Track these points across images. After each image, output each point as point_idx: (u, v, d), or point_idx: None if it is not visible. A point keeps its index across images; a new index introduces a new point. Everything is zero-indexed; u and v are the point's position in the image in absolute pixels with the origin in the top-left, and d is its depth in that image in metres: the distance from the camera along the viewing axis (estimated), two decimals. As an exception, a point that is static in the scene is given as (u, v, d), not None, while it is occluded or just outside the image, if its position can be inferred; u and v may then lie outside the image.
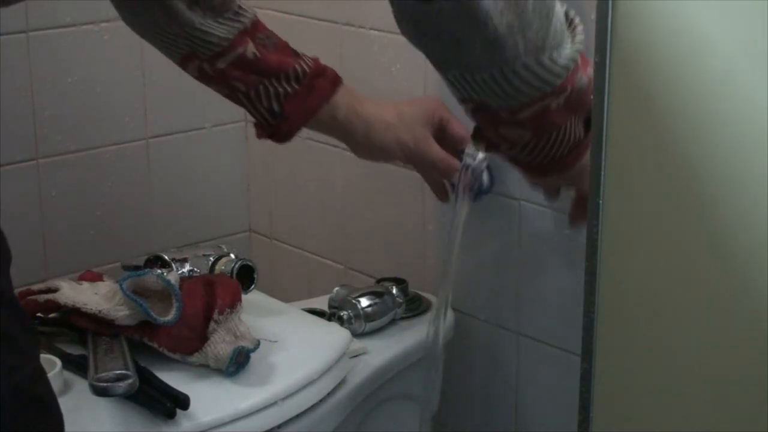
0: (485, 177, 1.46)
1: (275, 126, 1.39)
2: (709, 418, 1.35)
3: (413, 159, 1.45)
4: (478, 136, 1.44)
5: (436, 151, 1.43)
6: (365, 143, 1.44)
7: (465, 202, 1.42)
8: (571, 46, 1.16)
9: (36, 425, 0.96)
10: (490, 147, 1.33)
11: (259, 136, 1.42)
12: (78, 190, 1.77)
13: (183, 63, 1.39)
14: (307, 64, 1.38)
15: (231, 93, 1.39)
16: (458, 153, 1.43)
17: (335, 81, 1.40)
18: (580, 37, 1.18)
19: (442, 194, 1.49)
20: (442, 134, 1.45)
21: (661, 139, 1.34)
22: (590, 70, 1.22)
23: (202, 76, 1.39)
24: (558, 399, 1.55)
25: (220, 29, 1.34)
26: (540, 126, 1.21)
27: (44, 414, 0.97)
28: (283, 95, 1.37)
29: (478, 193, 1.46)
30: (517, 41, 1.10)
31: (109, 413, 1.30)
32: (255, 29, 1.37)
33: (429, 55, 1.14)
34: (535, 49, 1.12)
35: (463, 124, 1.45)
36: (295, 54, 1.39)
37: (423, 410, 1.61)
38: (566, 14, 1.18)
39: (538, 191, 1.44)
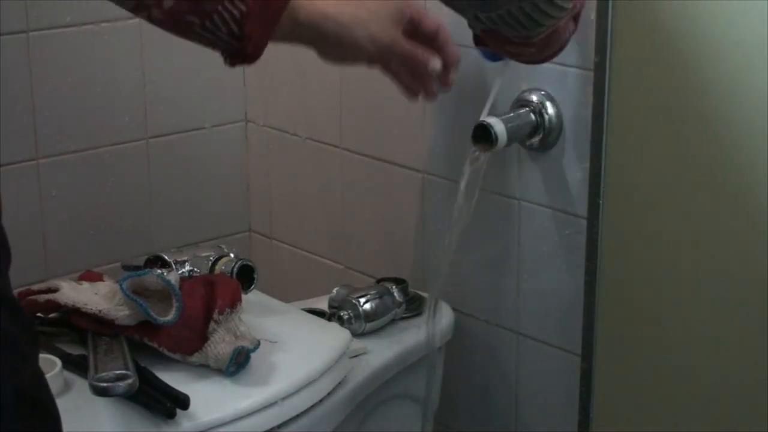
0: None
1: (241, 49, 1.34)
2: (709, 417, 1.35)
3: (385, 55, 1.39)
4: (477, 139, 1.43)
5: (411, 44, 1.33)
6: (335, 43, 1.36)
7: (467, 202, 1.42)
8: None
9: (35, 426, 0.95)
10: (483, 45, 1.34)
11: (231, 64, 1.37)
12: (78, 190, 1.77)
13: (134, 11, 1.34)
14: None
15: (188, 32, 1.33)
16: (433, 46, 1.38)
17: None
18: None
19: (412, 93, 1.39)
20: (413, 30, 1.40)
21: (661, 138, 1.34)
22: None
23: (156, 23, 1.34)
24: (558, 399, 1.55)
25: None
26: (547, 42, 1.25)
27: (43, 415, 0.97)
28: (239, 16, 1.31)
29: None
30: None
31: (109, 413, 1.30)
32: None
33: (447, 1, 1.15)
34: None
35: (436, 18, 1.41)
36: None
37: (424, 406, 1.61)
38: None
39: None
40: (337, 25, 1.33)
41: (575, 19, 1.31)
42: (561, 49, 1.32)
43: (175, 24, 1.30)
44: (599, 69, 1.38)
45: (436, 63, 1.35)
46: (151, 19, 1.30)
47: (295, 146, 1.87)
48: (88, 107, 1.76)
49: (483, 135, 1.42)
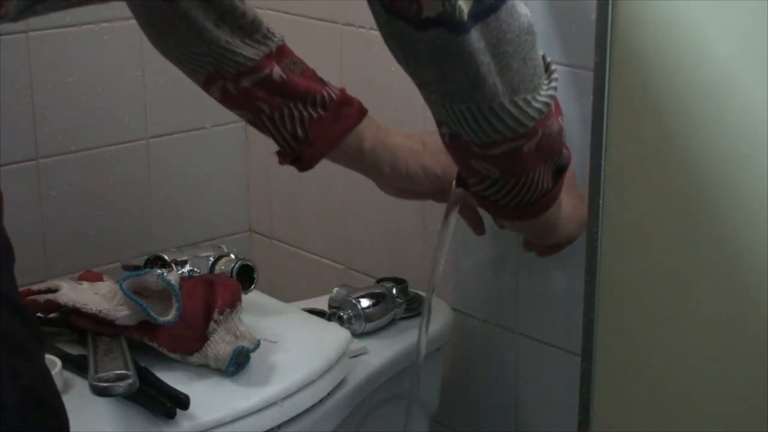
0: None
1: (298, 151, 1.38)
2: (709, 417, 1.35)
3: (441, 187, 1.42)
4: None
5: None
6: (392, 173, 1.41)
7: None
8: (545, 91, 1.18)
9: (42, 426, 0.96)
10: (460, 183, 1.33)
11: (282, 162, 1.41)
12: (78, 190, 1.77)
13: (207, 84, 1.37)
14: (333, 92, 1.37)
15: (254, 115, 1.37)
16: None
17: (361, 111, 1.39)
18: (554, 83, 1.21)
19: (477, 225, 1.47)
20: None
21: (661, 139, 1.34)
22: (561, 119, 1.24)
23: (226, 97, 1.37)
24: (558, 399, 1.55)
25: (246, 49, 1.33)
26: (509, 166, 1.23)
27: (50, 415, 0.97)
28: (308, 120, 1.35)
29: None
30: (495, 82, 1.12)
31: (109, 413, 1.30)
32: (281, 53, 1.35)
33: (412, 75, 1.15)
34: (512, 90, 1.14)
35: None
36: (322, 81, 1.37)
37: (422, 408, 1.61)
38: (543, 58, 1.20)
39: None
40: (393, 156, 1.38)
41: (557, 179, 1.29)
42: (532, 190, 1.27)
43: (246, 104, 1.34)
44: (599, 69, 1.38)
45: None
46: (223, 92, 1.34)
47: (295, 146, 1.86)
48: (88, 107, 1.76)
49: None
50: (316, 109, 1.35)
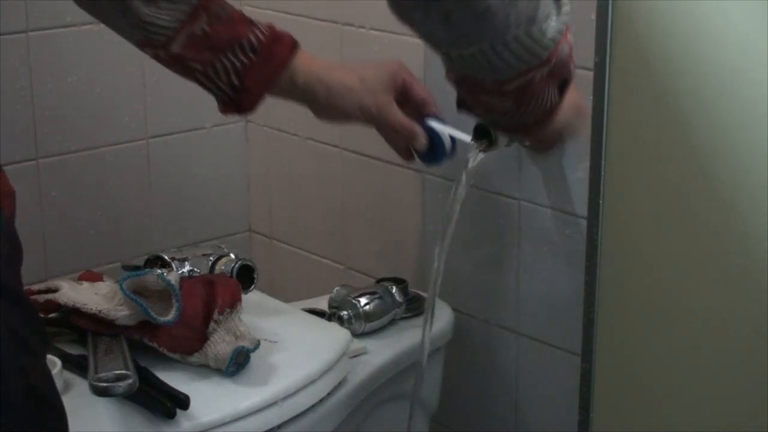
0: (446, 141, 1.44)
1: (237, 100, 1.36)
2: (709, 417, 1.35)
3: (375, 124, 1.42)
4: (478, 138, 1.43)
5: (398, 116, 1.40)
6: (326, 107, 1.41)
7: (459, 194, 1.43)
8: (557, 19, 1.16)
9: (44, 426, 0.96)
10: (464, 109, 1.32)
11: (224, 111, 1.39)
12: (78, 190, 1.77)
13: (141, 48, 1.37)
14: (262, 32, 1.34)
15: (189, 74, 1.36)
16: (421, 116, 1.42)
17: (292, 47, 1.36)
18: (566, 8, 1.18)
19: (406, 155, 1.46)
20: (405, 98, 1.43)
21: (661, 138, 1.34)
22: (570, 38, 1.23)
23: (162, 63, 1.37)
24: (558, 399, 1.55)
25: (168, 14, 1.30)
26: (523, 96, 1.22)
27: (52, 414, 0.98)
28: (241, 68, 1.33)
29: (437, 156, 1.44)
30: (508, 13, 1.10)
31: (109, 413, 1.30)
32: (203, 6, 1.32)
33: (418, 32, 1.14)
34: (526, 20, 1.12)
35: (425, 86, 1.44)
36: (250, 23, 1.35)
37: (421, 406, 1.61)
38: None
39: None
40: (328, 91, 1.38)
41: (561, 91, 1.28)
42: (541, 109, 1.28)
43: (178, 66, 1.34)
44: (599, 69, 1.38)
45: (417, 143, 1.39)
46: (156, 57, 1.33)
47: (295, 146, 1.87)
48: (88, 107, 1.76)
49: (483, 134, 1.42)
50: (247, 54, 1.33)
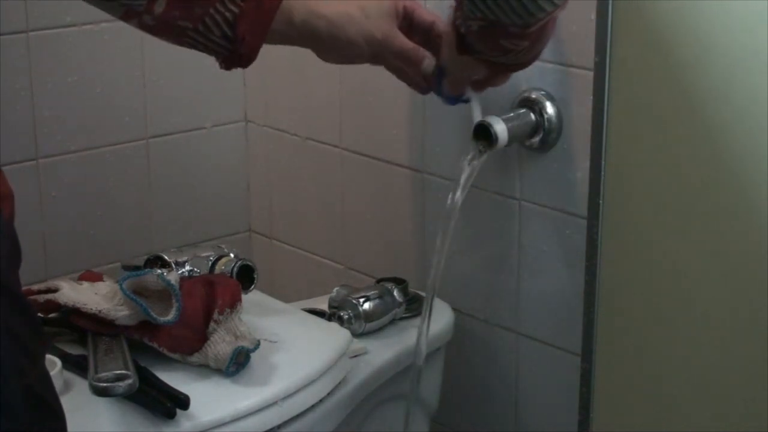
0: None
1: (234, 52, 1.33)
2: (709, 417, 1.35)
3: (381, 53, 1.37)
4: (478, 138, 1.43)
5: (403, 41, 1.36)
6: (330, 42, 1.36)
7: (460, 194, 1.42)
8: None
9: (43, 425, 0.96)
10: (463, 51, 1.31)
11: (225, 67, 1.36)
12: (78, 190, 1.77)
13: (126, 20, 1.33)
14: None
15: (181, 36, 1.32)
16: (428, 40, 1.39)
17: None
18: None
19: (418, 85, 1.41)
20: (409, 24, 1.40)
21: (661, 138, 1.34)
22: None
23: (149, 30, 1.33)
24: (558, 399, 1.55)
25: None
26: (540, 36, 1.22)
27: (51, 416, 0.97)
28: (231, 18, 1.30)
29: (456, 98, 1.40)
30: None
31: (109, 413, 1.30)
32: None
33: None
34: None
35: (429, 10, 1.41)
36: None
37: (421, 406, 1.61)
38: None
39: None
40: (329, 23, 1.33)
41: None
42: (543, 48, 1.29)
43: (168, 30, 1.29)
44: (599, 69, 1.38)
45: (428, 63, 1.36)
46: (143, 26, 1.29)
47: (295, 146, 1.87)
48: (88, 107, 1.76)
49: (483, 134, 1.42)
50: (235, 3, 1.30)
